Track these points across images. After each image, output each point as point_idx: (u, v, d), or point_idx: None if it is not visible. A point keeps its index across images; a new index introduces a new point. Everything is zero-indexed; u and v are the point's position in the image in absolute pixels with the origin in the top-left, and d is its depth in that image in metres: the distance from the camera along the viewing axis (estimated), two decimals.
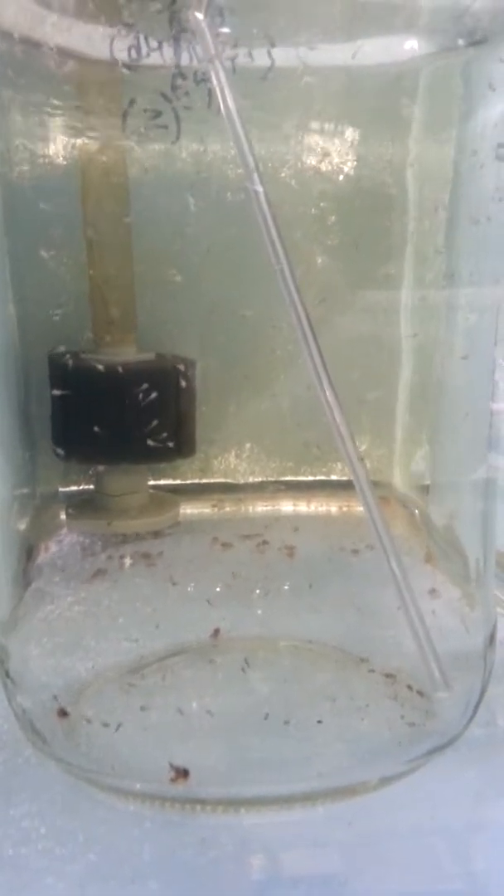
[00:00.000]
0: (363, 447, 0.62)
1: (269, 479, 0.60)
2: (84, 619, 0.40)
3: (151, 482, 0.58)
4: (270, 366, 0.56)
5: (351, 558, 0.50)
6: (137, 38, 0.32)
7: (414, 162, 0.48)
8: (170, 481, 0.60)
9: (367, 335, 0.55)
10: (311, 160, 0.50)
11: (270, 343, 0.54)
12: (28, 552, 0.47)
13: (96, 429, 0.50)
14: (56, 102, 0.42)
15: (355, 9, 0.33)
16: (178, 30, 0.31)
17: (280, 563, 0.49)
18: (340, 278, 0.53)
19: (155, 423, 0.52)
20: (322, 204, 0.51)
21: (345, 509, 0.62)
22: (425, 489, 0.59)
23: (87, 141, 0.46)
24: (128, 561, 0.45)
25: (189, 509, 0.59)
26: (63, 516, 0.54)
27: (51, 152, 0.47)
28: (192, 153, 0.45)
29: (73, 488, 0.57)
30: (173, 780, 0.29)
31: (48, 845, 0.29)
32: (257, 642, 0.39)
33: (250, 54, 0.34)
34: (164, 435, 0.53)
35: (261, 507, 0.60)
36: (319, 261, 0.53)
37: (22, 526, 0.49)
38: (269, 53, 0.34)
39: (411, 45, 0.34)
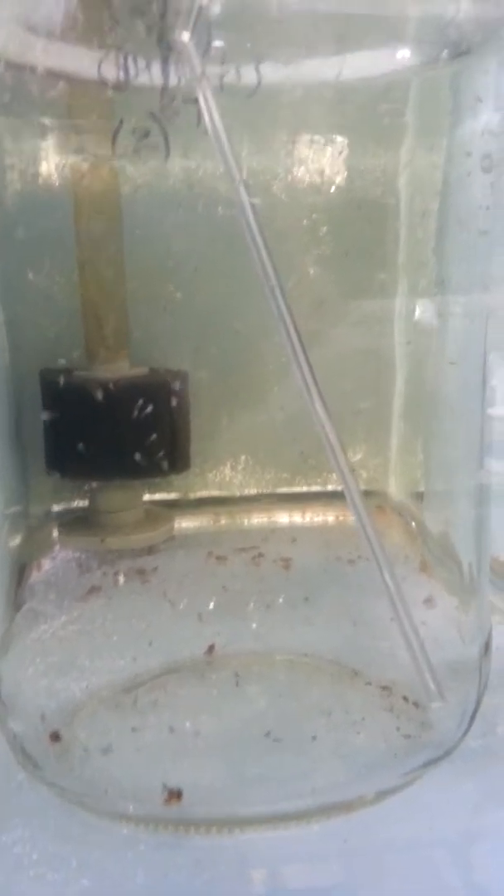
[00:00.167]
0: (358, 456, 0.63)
1: (265, 491, 0.60)
2: (78, 638, 0.40)
3: (146, 497, 0.58)
4: (263, 378, 0.56)
5: (347, 568, 0.50)
6: (126, 59, 0.32)
7: (405, 171, 0.49)
8: (164, 495, 0.60)
9: (360, 344, 0.55)
10: (303, 172, 0.51)
11: (263, 355, 0.54)
12: (20, 571, 0.47)
13: (89, 446, 0.50)
14: (47, 123, 0.42)
15: (341, 23, 0.33)
16: (165, 50, 0.31)
17: (275, 575, 0.49)
18: (333, 288, 0.53)
19: (148, 438, 0.52)
20: (314, 215, 0.52)
21: (341, 518, 0.62)
22: (421, 497, 0.59)
23: (78, 160, 0.46)
24: (122, 578, 0.45)
25: (184, 523, 0.59)
26: (56, 534, 0.54)
27: (42, 171, 0.47)
28: (183, 169, 0.45)
29: (67, 505, 0.57)
30: (167, 802, 0.28)
31: (41, 871, 0.28)
32: (252, 657, 0.39)
33: (238, 71, 0.34)
34: (158, 450, 0.53)
35: (256, 520, 0.60)
36: (311, 271, 0.54)
37: (14, 544, 0.49)
38: (257, 69, 0.34)
39: (398, 58, 0.34)
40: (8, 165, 0.46)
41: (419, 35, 0.32)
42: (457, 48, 0.31)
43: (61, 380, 0.50)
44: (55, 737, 0.32)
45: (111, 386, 0.51)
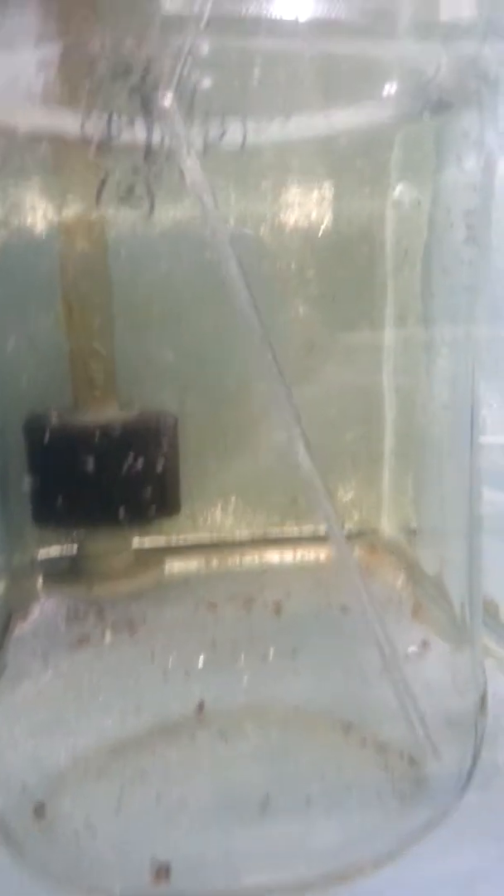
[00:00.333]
0: (350, 495, 0.62)
1: (257, 533, 0.60)
2: (64, 695, 0.39)
3: (136, 541, 0.57)
4: (252, 419, 0.56)
5: (338, 615, 0.50)
6: (109, 118, 0.33)
7: (392, 214, 0.49)
8: (155, 538, 0.59)
9: (350, 384, 0.55)
10: (290, 216, 0.51)
11: (251, 397, 0.54)
12: (5, 623, 0.46)
13: (76, 493, 0.49)
14: (34, 176, 0.42)
15: (324, 81, 0.33)
16: (149, 110, 0.31)
17: (266, 623, 0.48)
18: (323, 329, 0.53)
19: (137, 483, 0.51)
20: (300, 259, 0.52)
21: (333, 558, 0.61)
22: (414, 535, 0.59)
23: (64, 210, 0.46)
24: (108, 634, 0.44)
25: (175, 566, 0.59)
26: (42, 583, 0.53)
27: (29, 219, 0.47)
28: (170, 217, 0.45)
29: (54, 549, 0.56)
30: (155, 879, 0.27)
31: None
32: (243, 714, 0.38)
33: (223, 127, 0.34)
34: (147, 495, 0.52)
35: (248, 560, 0.60)
36: (301, 310, 0.54)
37: None
38: (244, 125, 0.35)
39: (379, 113, 0.35)
40: None
41: (401, 91, 0.32)
42: (437, 105, 0.31)
43: (47, 426, 0.50)
44: (38, 810, 0.31)
45: (98, 431, 0.51)
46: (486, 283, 0.37)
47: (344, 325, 0.53)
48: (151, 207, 0.36)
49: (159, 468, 0.53)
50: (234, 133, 0.34)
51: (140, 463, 0.51)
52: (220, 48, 0.30)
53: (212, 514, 0.59)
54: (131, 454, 0.50)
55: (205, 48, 0.29)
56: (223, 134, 0.34)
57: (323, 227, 0.51)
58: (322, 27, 0.30)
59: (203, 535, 0.60)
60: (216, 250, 0.29)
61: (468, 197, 0.33)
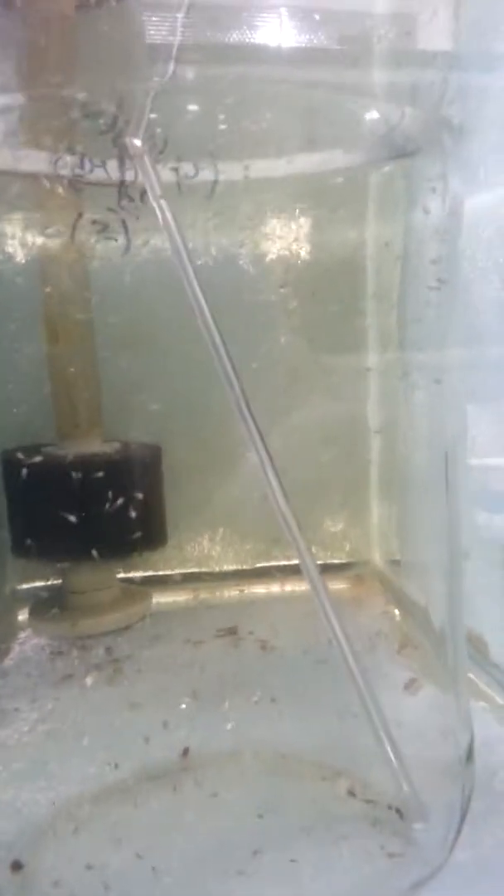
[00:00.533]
0: (340, 526, 0.62)
1: (244, 564, 0.59)
2: (46, 741, 0.38)
3: (123, 574, 0.56)
4: (237, 449, 0.55)
5: (326, 652, 0.49)
6: (81, 158, 0.32)
7: (371, 245, 0.49)
8: (142, 572, 0.58)
9: (336, 415, 0.55)
10: (270, 246, 0.51)
11: (236, 426, 0.53)
12: None
13: (58, 527, 0.48)
14: (13, 212, 0.42)
15: (291, 128, 0.33)
16: (121, 150, 0.30)
17: (253, 661, 0.47)
18: (307, 360, 0.53)
19: (121, 516, 0.50)
20: (282, 289, 0.52)
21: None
22: (399, 567, 0.58)
23: (47, 243, 0.46)
24: (90, 680, 0.43)
25: (163, 598, 0.58)
26: (26, 617, 0.52)
27: (9, 249, 0.47)
28: (151, 248, 0.45)
29: (38, 584, 0.55)
30: None
31: None
32: (228, 762, 0.37)
33: (196, 169, 0.34)
34: (132, 528, 0.52)
35: (235, 594, 0.59)
36: (283, 340, 0.54)
37: None
38: (215, 167, 0.34)
39: (345, 160, 0.35)
40: None
41: (367, 138, 0.32)
42: (402, 151, 0.31)
43: (27, 459, 0.49)
44: (16, 865, 0.30)
45: (81, 463, 0.50)
46: (456, 326, 0.36)
47: (329, 359, 0.53)
48: (128, 244, 0.35)
49: (143, 501, 0.52)
50: (206, 174, 0.34)
51: (123, 496, 0.50)
52: (203, 92, 0.29)
53: (199, 545, 0.58)
54: (114, 488, 0.49)
55: (189, 76, 0.29)
56: (196, 174, 0.34)
57: (303, 258, 0.51)
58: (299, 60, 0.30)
59: (191, 567, 0.59)
60: (188, 290, 0.29)
61: (435, 246, 0.33)
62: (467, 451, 0.53)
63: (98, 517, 0.48)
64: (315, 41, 0.31)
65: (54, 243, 0.45)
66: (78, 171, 0.32)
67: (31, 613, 0.53)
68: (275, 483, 0.31)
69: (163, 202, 0.27)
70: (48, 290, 0.48)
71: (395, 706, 0.39)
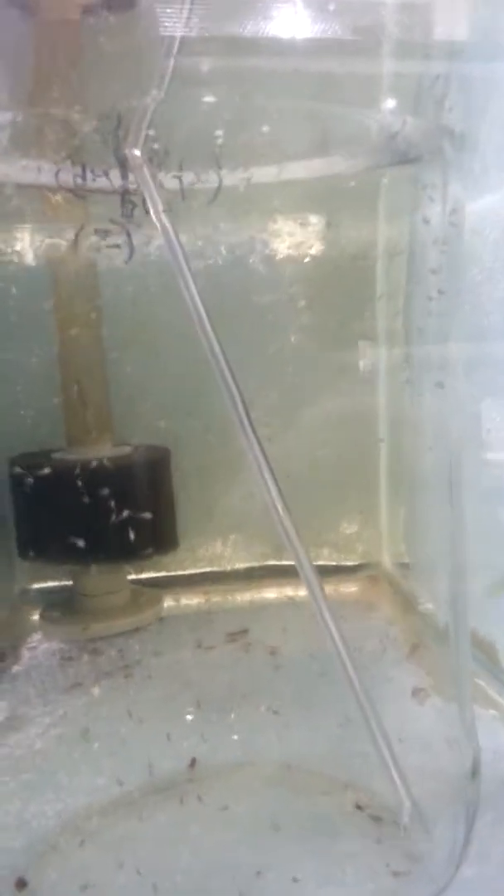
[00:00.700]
0: (354, 528, 0.61)
1: (256, 565, 0.59)
2: (54, 751, 0.38)
3: (135, 576, 0.56)
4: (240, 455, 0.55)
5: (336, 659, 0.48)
6: (83, 168, 0.32)
7: (381, 245, 0.48)
8: (152, 574, 0.58)
9: (348, 416, 0.54)
10: (282, 247, 0.50)
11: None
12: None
13: (67, 530, 0.48)
14: (22, 221, 0.42)
15: (297, 134, 0.33)
16: (122, 160, 0.30)
17: (263, 667, 0.46)
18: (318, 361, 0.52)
19: (132, 520, 0.50)
20: (293, 287, 0.51)
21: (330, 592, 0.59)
22: (408, 570, 0.57)
23: (53, 248, 0.46)
24: (99, 686, 0.43)
25: (174, 601, 0.58)
26: (37, 619, 0.52)
27: (18, 257, 0.47)
28: (158, 247, 0.44)
29: (50, 584, 0.55)
30: None
31: None
32: (235, 773, 0.37)
33: (198, 177, 0.33)
34: (143, 532, 0.52)
35: (247, 596, 0.58)
36: (293, 339, 0.53)
37: None
38: (218, 174, 0.34)
39: (351, 163, 0.34)
40: None
41: (371, 143, 0.31)
42: (405, 157, 0.30)
43: (36, 465, 0.49)
44: (21, 883, 0.30)
45: (90, 468, 0.50)
46: (463, 327, 0.35)
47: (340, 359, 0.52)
48: (131, 253, 0.35)
49: (153, 505, 0.52)
50: (209, 179, 0.33)
51: (133, 501, 0.50)
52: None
53: (211, 547, 0.58)
54: (123, 492, 0.49)
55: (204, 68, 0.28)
56: (198, 181, 0.33)
57: (315, 257, 0.50)
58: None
59: (203, 568, 0.58)
60: (186, 299, 0.28)
61: (435, 255, 0.32)
62: (483, 446, 0.52)
63: (106, 522, 0.48)
64: (329, 31, 0.30)
65: (61, 251, 0.45)
66: (79, 181, 0.32)
67: (42, 616, 0.53)
68: (275, 493, 0.30)
69: (162, 213, 0.27)
70: (57, 295, 0.47)
71: (400, 715, 0.39)
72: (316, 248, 0.47)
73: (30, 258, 0.46)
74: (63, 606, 0.53)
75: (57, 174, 0.32)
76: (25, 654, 0.48)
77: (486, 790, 0.35)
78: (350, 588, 0.60)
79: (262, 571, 0.58)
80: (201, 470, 0.54)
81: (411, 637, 0.50)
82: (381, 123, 0.29)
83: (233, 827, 0.33)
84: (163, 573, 0.58)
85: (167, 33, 0.27)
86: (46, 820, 0.34)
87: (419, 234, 0.35)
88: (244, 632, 0.51)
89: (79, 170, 0.31)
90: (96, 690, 0.44)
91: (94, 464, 0.50)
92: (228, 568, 0.58)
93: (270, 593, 0.56)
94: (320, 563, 0.59)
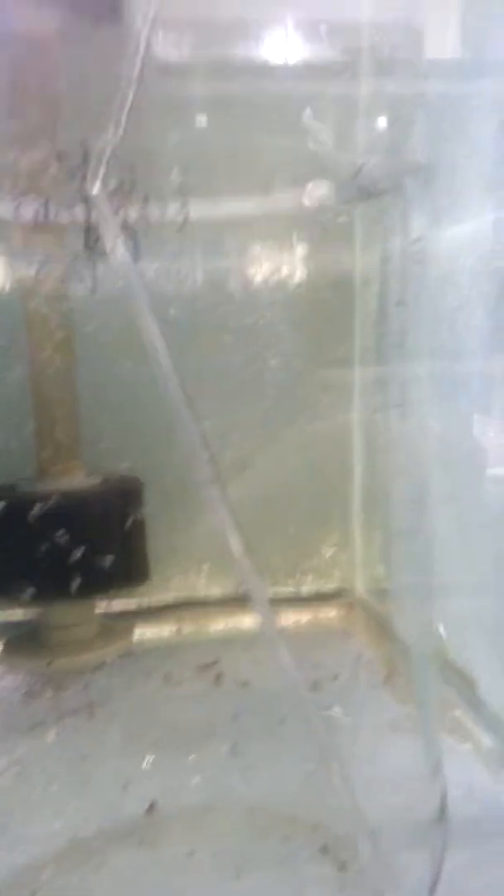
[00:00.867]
0: (331, 552, 0.61)
1: (229, 595, 0.58)
2: (12, 791, 0.37)
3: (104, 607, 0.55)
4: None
5: (308, 693, 0.48)
6: (45, 203, 0.32)
7: (358, 270, 0.48)
8: (124, 601, 0.57)
9: (322, 441, 0.55)
10: (261, 273, 0.50)
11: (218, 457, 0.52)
12: None
13: (32, 565, 0.47)
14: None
15: (265, 167, 0.33)
16: (83, 196, 0.30)
17: (232, 703, 0.46)
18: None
19: (102, 552, 0.49)
20: (271, 311, 0.51)
21: (306, 622, 0.59)
22: (385, 596, 0.57)
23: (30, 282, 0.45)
24: (65, 718, 0.42)
25: (145, 631, 0.56)
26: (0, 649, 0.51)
27: None
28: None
29: (15, 616, 0.54)
30: None
31: None
32: (198, 817, 0.36)
33: (162, 211, 0.33)
34: (112, 564, 0.51)
35: (220, 626, 0.58)
36: (273, 363, 0.53)
37: None
38: (185, 207, 0.34)
39: (318, 196, 0.34)
40: None
41: (335, 178, 0.32)
42: (368, 192, 0.30)
43: (4, 495, 0.48)
44: None
45: (60, 499, 0.49)
46: (433, 351, 0.36)
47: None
48: (94, 285, 0.35)
49: (122, 536, 0.51)
50: (174, 210, 0.33)
51: (101, 533, 0.49)
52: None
53: (183, 577, 0.58)
54: (90, 525, 0.49)
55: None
56: (165, 213, 0.33)
57: (287, 283, 0.50)
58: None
59: (174, 598, 0.58)
60: (146, 335, 0.28)
61: (399, 288, 0.32)
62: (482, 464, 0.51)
63: (70, 558, 0.47)
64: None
65: (31, 282, 0.45)
66: (42, 215, 0.32)
67: (5, 648, 0.52)
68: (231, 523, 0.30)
69: (120, 246, 0.26)
70: (28, 324, 0.47)
71: (368, 749, 0.38)
72: (292, 275, 0.48)
73: (7, 292, 0.46)
74: (28, 638, 0.52)
75: (17, 208, 0.32)
76: None
77: (459, 832, 0.34)
78: (329, 614, 0.60)
79: (237, 601, 0.57)
80: (173, 498, 0.54)
81: (386, 665, 0.50)
82: (344, 160, 0.29)
83: (194, 873, 0.32)
84: (134, 604, 0.57)
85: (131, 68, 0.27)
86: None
87: (383, 269, 0.35)
88: (215, 664, 0.50)
89: (40, 205, 0.31)
90: (57, 729, 0.43)
91: (57, 497, 0.48)
92: (201, 599, 0.57)
93: (245, 623, 0.55)
94: (304, 589, 0.59)
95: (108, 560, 0.50)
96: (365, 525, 0.57)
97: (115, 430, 0.51)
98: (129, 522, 0.51)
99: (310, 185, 0.31)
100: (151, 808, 0.36)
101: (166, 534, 0.54)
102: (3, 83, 0.33)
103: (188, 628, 0.57)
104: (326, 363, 0.52)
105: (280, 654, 0.29)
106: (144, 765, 0.36)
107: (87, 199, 0.30)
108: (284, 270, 0.49)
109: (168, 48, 0.34)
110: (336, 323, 0.51)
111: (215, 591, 0.58)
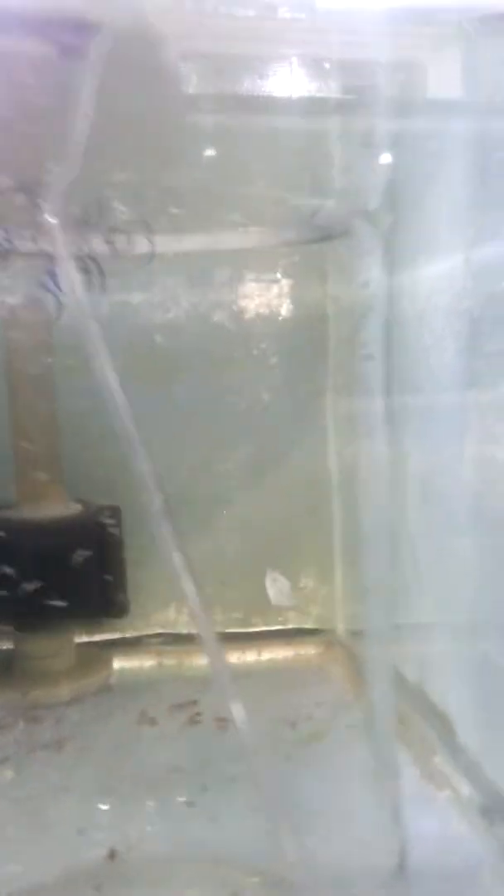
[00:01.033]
0: (310, 586, 0.59)
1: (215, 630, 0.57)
2: None
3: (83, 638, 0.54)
4: (206, 509, 0.53)
5: (287, 733, 0.46)
6: (7, 231, 0.32)
7: (331, 306, 0.48)
8: (103, 634, 0.56)
9: (302, 480, 0.54)
10: (244, 306, 0.50)
11: (201, 488, 0.52)
12: None
13: (11, 591, 0.46)
14: None
15: (226, 207, 0.33)
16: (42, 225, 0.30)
17: (208, 744, 0.44)
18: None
19: (78, 582, 0.49)
20: (261, 346, 0.51)
21: (291, 658, 0.57)
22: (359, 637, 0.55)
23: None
24: (33, 754, 0.41)
25: (124, 665, 0.55)
26: None
27: None
28: (116, 302, 0.44)
29: None
30: None
31: None
32: (160, 870, 0.34)
33: (129, 241, 0.33)
34: (91, 594, 0.50)
35: (202, 661, 0.56)
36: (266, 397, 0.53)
37: None
38: (150, 240, 0.34)
39: (264, 240, 0.34)
40: None
41: (295, 220, 0.31)
42: (325, 233, 0.30)
43: None
44: None
45: (38, 528, 0.49)
46: (404, 390, 0.35)
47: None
48: (59, 313, 0.35)
49: (103, 566, 0.50)
50: (141, 244, 0.33)
51: (81, 561, 0.48)
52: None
53: (164, 610, 0.56)
54: (68, 554, 0.48)
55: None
56: (129, 244, 0.33)
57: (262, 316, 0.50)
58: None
59: (155, 631, 0.56)
60: (98, 371, 0.27)
61: (364, 332, 0.32)
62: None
63: (53, 585, 0.47)
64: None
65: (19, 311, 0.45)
66: (6, 243, 0.32)
67: None
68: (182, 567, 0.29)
69: (75, 281, 0.26)
70: (8, 349, 0.47)
71: (335, 796, 0.37)
72: (266, 307, 0.47)
73: None
74: (2, 668, 0.51)
75: None
76: None
77: (432, 890, 0.32)
78: (309, 652, 0.58)
79: (223, 637, 0.56)
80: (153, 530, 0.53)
81: (363, 707, 0.48)
82: (301, 203, 0.29)
83: None
84: (116, 635, 0.56)
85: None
86: None
87: (347, 311, 0.34)
88: (193, 703, 0.49)
89: (2, 233, 0.31)
90: (21, 767, 0.41)
91: (42, 524, 0.48)
92: (183, 633, 0.56)
93: (232, 657, 0.54)
94: (290, 626, 0.58)
95: (87, 590, 0.49)
96: (345, 561, 0.56)
97: (95, 460, 0.51)
98: (106, 553, 0.50)
99: None
100: (112, 856, 0.34)
101: (146, 565, 0.53)
102: None
103: (169, 661, 0.56)
104: (304, 395, 0.52)
105: (230, 696, 0.28)
106: (104, 808, 0.35)
107: (43, 230, 0.30)
108: (258, 303, 0.49)
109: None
110: (312, 355, 0.51)
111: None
